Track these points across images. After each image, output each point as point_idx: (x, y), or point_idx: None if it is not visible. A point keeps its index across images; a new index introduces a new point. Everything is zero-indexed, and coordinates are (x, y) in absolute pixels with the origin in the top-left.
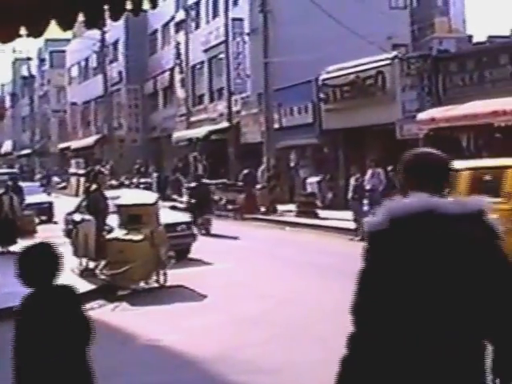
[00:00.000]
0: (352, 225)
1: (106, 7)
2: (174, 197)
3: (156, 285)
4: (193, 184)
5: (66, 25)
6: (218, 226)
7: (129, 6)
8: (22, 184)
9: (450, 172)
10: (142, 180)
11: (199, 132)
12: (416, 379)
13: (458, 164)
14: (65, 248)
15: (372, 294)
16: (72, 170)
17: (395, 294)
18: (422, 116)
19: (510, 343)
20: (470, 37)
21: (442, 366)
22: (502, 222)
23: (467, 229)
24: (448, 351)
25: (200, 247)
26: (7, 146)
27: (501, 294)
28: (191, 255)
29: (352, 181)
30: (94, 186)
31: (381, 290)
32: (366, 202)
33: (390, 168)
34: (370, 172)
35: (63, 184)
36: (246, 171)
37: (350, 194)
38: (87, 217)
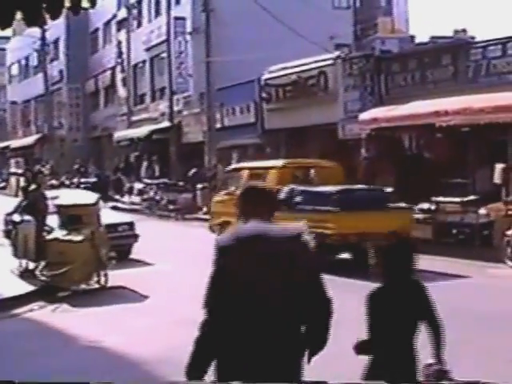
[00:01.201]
0: None
1: (44, 5)
2: (116, 197)
3: (97, 286)
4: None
5: (4, 23)
6: (159, 226)
7: (67, 3)
8: None
9: (276, 202)
10: (83, 180)
11: (141, 131)
12: (247, 352)
13: (239, 165)
14: (4, 249)
15: (218, 291)
16: (12, 169)
17: (234, 292)
18: (364, 116)
19: (316, 328)
20: (413, 37)
21: (267, 343)
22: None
23: (287, 246)
24: (271, 333)
25: (141, 248)
26: None
27: (309, 291)
28: (132, 256)
29: None
30: (33, 186)
31: (224, 288)
32: None
33: None
34: None
35: (2, 184)
36: (193, 170)
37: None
38: (27, 217)
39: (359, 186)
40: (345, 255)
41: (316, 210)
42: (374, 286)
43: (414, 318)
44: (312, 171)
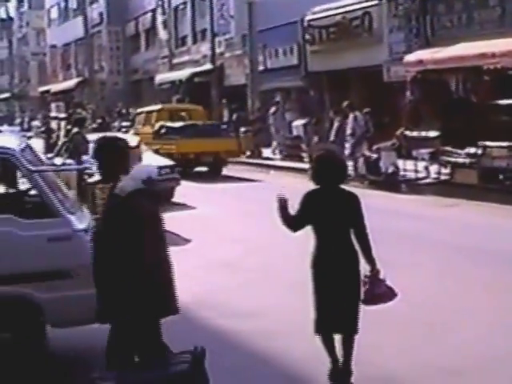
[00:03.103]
0: None
1: None
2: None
3: None
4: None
5: None
6: (202, 170)
7: None
8: (1, 128)
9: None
10: (124, 123)
11: (182, 74)
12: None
13: (140, 109)
14: None
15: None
16: (52, 113)
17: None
18: (409, 58)
19: None
20: None
21: None
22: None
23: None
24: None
25: (183, 191)
26: None
27: None
28: (175, 199)
29: (334, 124)
30: (74, 130)
31: None
32: (347, 145)
33: (366, 110)
34: (351, 116)
35: (43, 128)
36: (236, 114)
37: (331, 138)
38: (68, 161)
39: (198, 122)
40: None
41: (171, 138)
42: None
43: (345, 221)
44: (183, 113)
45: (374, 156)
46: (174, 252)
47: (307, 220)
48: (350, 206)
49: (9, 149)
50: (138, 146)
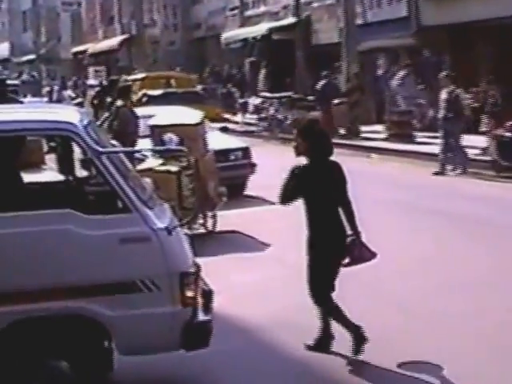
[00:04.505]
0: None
1: None
2: (225, 116)
3: (202, 230)
4: None
5: None
6: (281, 153)
7: None
8: (24, 100)
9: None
10: None
11: (257, 30)
12: None
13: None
14: None
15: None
16: (90, 80)
17: None
18: None
19: None
20: None
21: None
22: None
23: None
24: None
25: (259, 181)
26: (3, 49)
27: None
28: (248, 191)
29: (444, 95)
30: (119, 102)
31: None
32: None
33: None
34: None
35: (79, 99)
36: (323, 81)
37: (441, 112)
38: (112, 142)
39: (179, 90)
40: None
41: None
42: None
43: (337, 194)
44: (172, 80)
45: (509, 135)
46: (247, 258)
47: (299, 195)
48: (339, 176)
49: (70, 124)
50: (201, 123)
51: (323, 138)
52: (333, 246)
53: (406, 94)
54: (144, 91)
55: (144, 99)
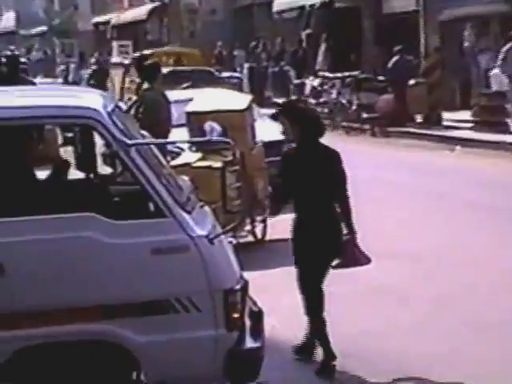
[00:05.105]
0: None
1: None
2: (277, 100)
3: (250, 238)
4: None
5: None
6: (345, 145)
7: None
8: (34, 80)
9: None
10: (226, 74)
11: None
12: None
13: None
14: None
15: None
16: (114, 58)
17: None
18: None
19: None
20: None
21: None
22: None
23: None
24: None
25: None
26: (8, 20)
27: None
28: None
29: None
30: (146, 84)
31: None
32: None
33: None
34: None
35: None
36: (396, 58)
37: None
38: (142, 132)
39: (187, 68)
40: None
41: None
42: None
43: (327, 183)
44: (183, 57)
45: None
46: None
47: (290, 188)
48: (336, 167)
49: (91, 110)
50: (248, 109)
51: (307, 116)
52: (320, 246)
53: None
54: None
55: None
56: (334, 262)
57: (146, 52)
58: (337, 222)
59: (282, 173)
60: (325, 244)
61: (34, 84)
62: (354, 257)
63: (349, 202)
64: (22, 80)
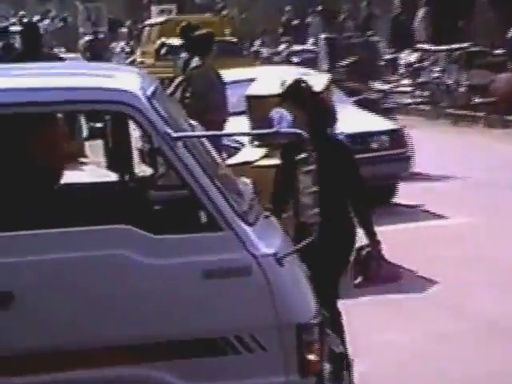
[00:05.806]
0: None
1: None
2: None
3: None
4: None
5: None
6: (451, 138)
7: None
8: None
9: None
10: (297, 47)
11: None
12: None
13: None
14: None
15: None
16: (150, 19)
17: None
18: None
19: None
20: None
21: None
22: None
23: None
24: None
25: (417, 183)
26: None
27: None
28: (399, 198)
29: None
30: (196, 60)
31: None
32: None
33: None
34: None
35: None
36: None
37: None
38: (191, 122)
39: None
40: None
41: (169, 58)
42: None
43: (334, 185)
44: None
45: None
46: (401, 304)
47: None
48: (347, 165)
49: (127, 93)
50: (326, 92)
51: (317, 101)
52: (323, 257)
53: None
54: (163, 40)
55: (162, 50)
56: (357, 280)
57: (150, 21)
58: (348, 231)
59: (281, 167)
60: (328, 255)
61: (62, 60)
62: (380, 272)
63: (366, 209)
64: (45, 55)
